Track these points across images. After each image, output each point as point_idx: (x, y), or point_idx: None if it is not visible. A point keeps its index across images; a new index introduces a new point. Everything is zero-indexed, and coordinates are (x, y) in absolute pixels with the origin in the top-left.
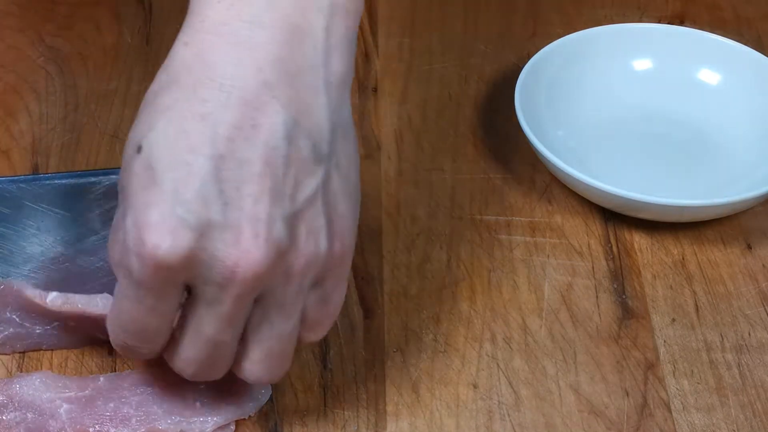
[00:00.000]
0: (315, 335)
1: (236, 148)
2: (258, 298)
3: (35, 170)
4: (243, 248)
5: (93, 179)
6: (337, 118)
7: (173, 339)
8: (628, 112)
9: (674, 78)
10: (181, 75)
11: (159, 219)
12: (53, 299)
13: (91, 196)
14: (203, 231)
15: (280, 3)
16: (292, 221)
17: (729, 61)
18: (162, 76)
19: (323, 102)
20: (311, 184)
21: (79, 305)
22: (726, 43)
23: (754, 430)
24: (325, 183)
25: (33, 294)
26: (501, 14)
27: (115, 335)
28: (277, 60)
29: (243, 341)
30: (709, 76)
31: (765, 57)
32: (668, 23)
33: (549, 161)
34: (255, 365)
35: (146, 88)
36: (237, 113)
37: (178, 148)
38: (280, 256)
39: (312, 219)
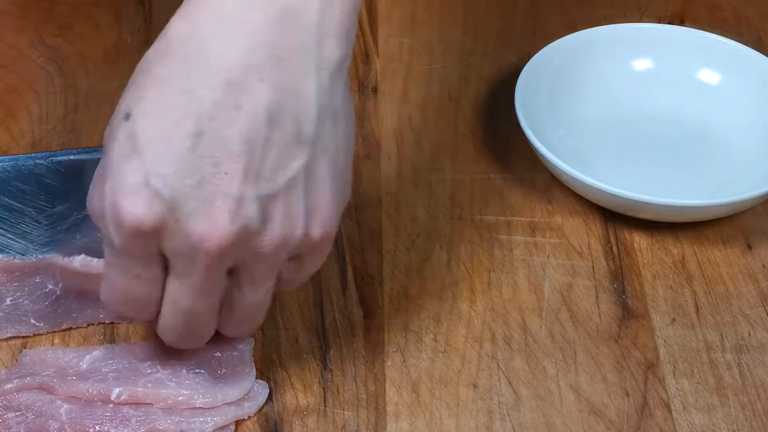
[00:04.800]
0: (290, 290)
1: (217, 127)
2: (231, 270)
3: None
4: (211, 222)
5: None
6: (327, 102)
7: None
8: (628, 112)
9: (674, 78)
10: (174, 48)
11: (134, 188)
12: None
13: None
14: (176, 203)
15: None
16: (268, 202)
17: (729, 61)
18: (158, 45)
19: (312, 86)
20: (293, 167)
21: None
22: (726, 43)
23: (754, 430)
24: (309, 167)
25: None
26: (501, 14)
27: (108, 301)
28: (267, 43)
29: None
30: (709, 76)
31: (765, 57)
32: (668, 23)
33: (549, 161)
34: (228, 327)
35: None
36: (221, 93)
37: (162, 121)
38: (249, 234)
39: (291, 202)
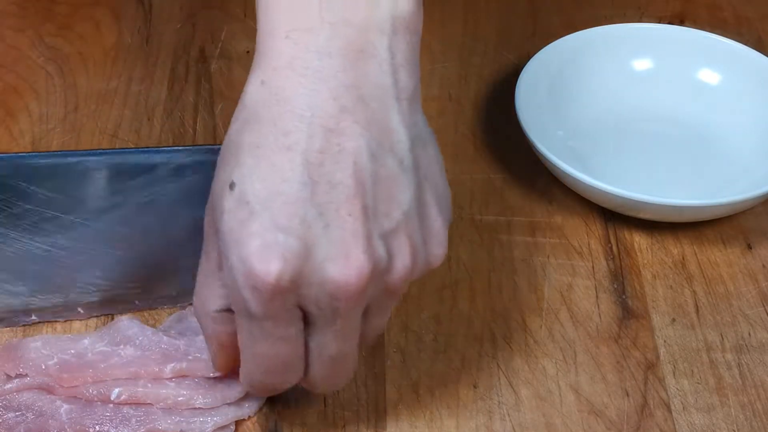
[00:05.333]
0: None
1: (327, 172)
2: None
3: None
4: (349, 265)
5: (96, 158)
6: (413, 129)
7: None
8: (628, 112)
9: (674, 78)
10: (259, 114)
11: (263, 247)
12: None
13: (99, 175)
14: (308, 252)
15: (343, 30)
16: (391, 237)
17: (729, 61)
18: (241, 115)
19: (398, 118)
20: (404, 199)
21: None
22: (726, 43)
23: (754, 430)
24: (417, 195)
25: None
26: (501, 14)
27: (253, 380)
28: (350, 86)
29: None
30: (709, 76)
31: (765, 57)
32: (668, 23)
33: (549, 161)
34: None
35: (146, 87)
36: (322, 140)
37: (271, 180)
38: (380, 272)
39: (411, 234)
